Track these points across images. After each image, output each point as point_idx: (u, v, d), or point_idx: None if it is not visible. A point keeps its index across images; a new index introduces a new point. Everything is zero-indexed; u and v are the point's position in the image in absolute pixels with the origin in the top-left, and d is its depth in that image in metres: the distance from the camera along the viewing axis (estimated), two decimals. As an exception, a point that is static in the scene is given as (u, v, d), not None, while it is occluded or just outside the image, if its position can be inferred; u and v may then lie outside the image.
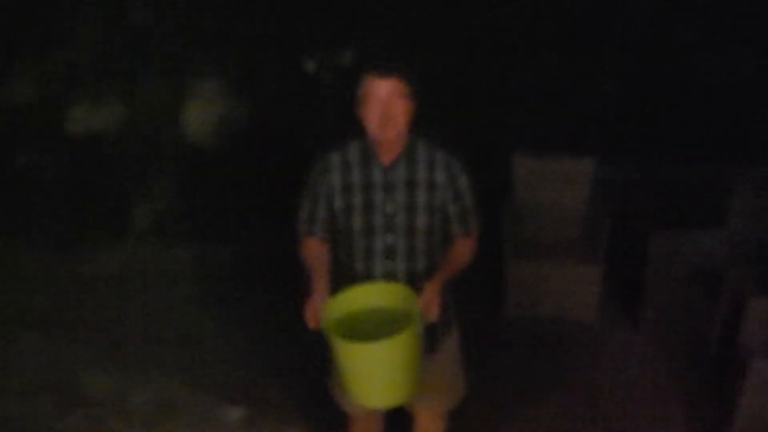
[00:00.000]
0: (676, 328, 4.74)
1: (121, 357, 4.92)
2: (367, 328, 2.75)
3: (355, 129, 2.94)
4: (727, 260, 4.77)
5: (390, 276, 2.95)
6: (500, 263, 5.10)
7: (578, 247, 5.33)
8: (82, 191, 6.31)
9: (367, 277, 2.96)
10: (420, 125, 2.96)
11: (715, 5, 6.87)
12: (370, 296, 2.87)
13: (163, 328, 5.27)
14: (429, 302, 2.74)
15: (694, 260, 4.81)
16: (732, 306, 4.23)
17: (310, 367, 4.39)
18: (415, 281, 2.91)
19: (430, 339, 2.98)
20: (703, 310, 4.52)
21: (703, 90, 7.01)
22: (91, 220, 6.25)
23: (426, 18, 6.71)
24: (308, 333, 2.79)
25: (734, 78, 7.23)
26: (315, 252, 3.02)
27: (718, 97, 6.98)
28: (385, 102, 2.80)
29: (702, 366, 4.55)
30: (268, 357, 4.91)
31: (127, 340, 5.12)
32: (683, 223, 5.01)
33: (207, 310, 5.49)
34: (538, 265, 5.11)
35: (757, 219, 4.73)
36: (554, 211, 5.44)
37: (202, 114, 6.39)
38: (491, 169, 5.43)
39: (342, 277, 3.00)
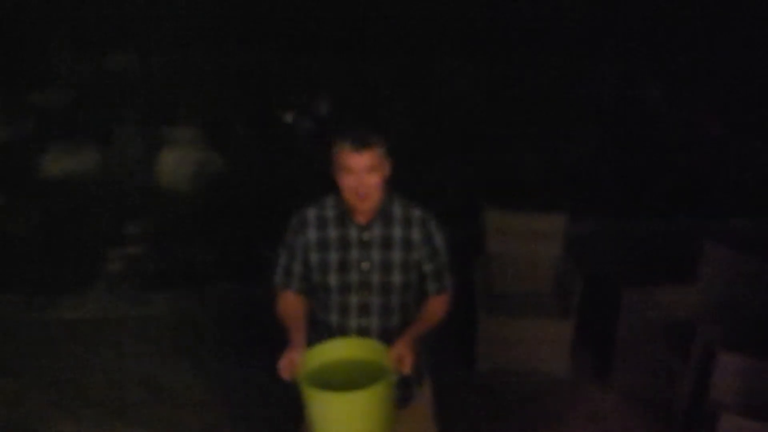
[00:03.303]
0: (648, 383, 4.73)
1: (88, 402, 4.88)
2: (341, 380, 2.74)
3: (330, 178, 2.95)
4: (697, 315, 4.80)
5: (364, 332, 2.96)
6: (472, 317, 5.08)
7: (550, 302, 5.35)
8: (54, 235, 6.28)
9: (342, 331, 2.96)
10: (394, 181, 2.99)
11: (682, 67, 7.03)
12: (344, 349, 2.87)
13: (131, 375, 5.21)
14: (401, 357, 2.75)
15: (666, 315, 4.84)
16: (703, 361, 4.24)
17: (279, 418, 4.40)
18: (389, 337, 2.91)
19: (404, 391, 2.98)
20: (674, 365, 4.52)
21: (673, 147, 7.13)
22: (62, 265, 6.20)
23: (399, 73, 6.82)
24: (278, 383, 2.78)
25: (704, 135, 7.36)
26: (291, 305, 3.04)
27: (689, 154, 7.10)
28: (360, 175, 2.84)
29: (673, 421, 4.54)
30: (235, 406, 4.86)
31: (94, 385, 5.07)
32: (655, 278, 5.04)
33: (175, 358, 5.43)
34: (510, 320, 5.10)
35: (727, 274, 4.76)
36: (526, 265, 5.47)
37: (177, 160, 6.39)
38: (463, 224, 5.47)
39: (317, 330, 3.02)
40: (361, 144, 2.83)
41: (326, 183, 2.99)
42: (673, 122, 7.62)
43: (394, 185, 3.03)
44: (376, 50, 7.21)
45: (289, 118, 6.58)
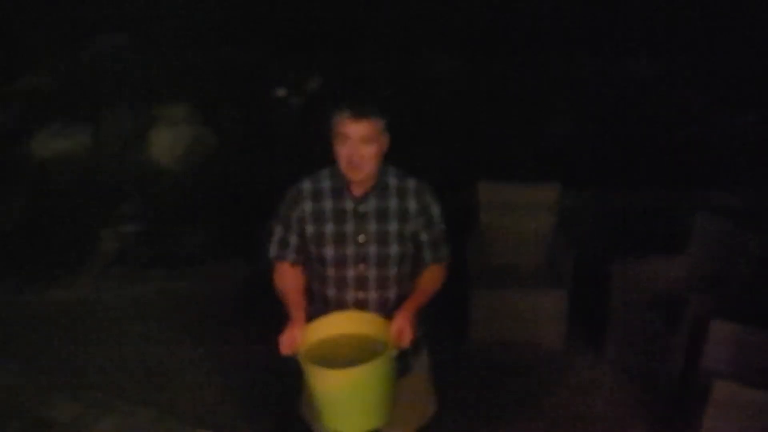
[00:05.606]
0: (640, 354, 4.77)
1: (85, 384, 4.86)
2: (341, 355, 2.76)
3: (322, 155, 2.96)
4: (688, 285, 4.84)
5: (361, 304, 2.97)
6: (465, 290, 5.09)
7: (543, 274, 5.37)
8: (47, 216, 6.26)
9: (339, 304, 2.97)
10: (390, 153, 2.99)
11: (672, 43, 7.05)
12: (343, 324, 2.88)
13: (127, 356, 5.21)
14: (401, 330, 2.77)
15: (656, 286, 4.88)
16: (693, 330, 4.28)
17: (277, 395, 4.42)
18: (386, 309, 2.94)
19: (402, 362, 2.98)
20: (665, 335, 4.56)
21: (664, 120, 7.15)
22: (56, 246, 6.19)
23: (393, 47, 6.82)
24: (276, 361, 2.81)
25: (693, 109, 7.39)
26: (290, 280, 3.04)
27: (680, 127, 7.13)
28: (356, 144, 2.83)
29: (665, 390, 4.59)
30: (233, 384, 4.87)
31: (91, 367, 5.07)
32: (645, 250, 5.08)
33: (173, 338, 5.43)
34: (503, 292, 5.12)
35: (716, 245, 4.80)
36: (519, 237, 5.48)
37: (169, 139, 6.37)
38: (456, 196, 5.49)
39: (314, 303, 3.03)
40: (360, 113, 2.83)
41: (317, 159, 3.01)
42: (663, 96, 7.64)
43: (392, 160, 3.03)
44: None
45: (281, 92, 6.57)
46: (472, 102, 7.51)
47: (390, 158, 3.01)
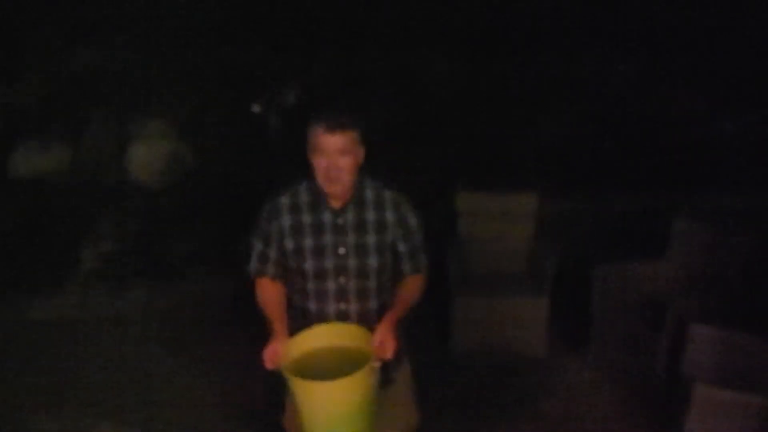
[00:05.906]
0: (624, 358, 4.82)
1: (69, 400, 4.88)
2: (325, 367, 2.80)
3: (301, 169, 3.01)
4: (670, 290, 4.89)
5: (343, 316, 3.01)
6: (447, 299, 5.13)
7: (524, 281, 5.39)
8: (27, 234, 6.22)
9: (321, 317, 3.01)
10: (366, 162, 3.03)
11: (655, 46, 7.06)
12: (326, 336, 2.93)
13: (112, 371, 5.22)
14: (383, 342, 2.82)
15: (639, 290, 4.92)
16: (677, 334, 4.33)
17: (261, 406, 4.41)
18: (368, 320, 2.98)
19: (384, 372, 3.00)
20: (649, 339, 4.61)
21: (644, 125, 7.18)
22: (36, 264, 6.17)
23: (371, 57, 6.84)
24: (259, 372, 2.86)
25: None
26: (270, 294, 3.09)
27: (659, 131, 7.15)
28: (332, 157, 2.87)
29: (650, 393, 4.64)
30: (218, 398, 4.88)
31: (75, 383, 5.08)
32: (627, 254, 5.11)
33: (155, 352, 5.45)
34: (484, 300, 5.14)
35: (697, 249, 4.85)
36: (499, 245, 5.52)
37: (148, 154, 6.36)
38: (436, 205, 5.52)
39: (295, 316, 3.07)
40: (335, 126, 2.86)
41: (298, 173, 3.04)
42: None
43: (371, 169, 3.07)
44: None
45: (257, 108, 6.59)
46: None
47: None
